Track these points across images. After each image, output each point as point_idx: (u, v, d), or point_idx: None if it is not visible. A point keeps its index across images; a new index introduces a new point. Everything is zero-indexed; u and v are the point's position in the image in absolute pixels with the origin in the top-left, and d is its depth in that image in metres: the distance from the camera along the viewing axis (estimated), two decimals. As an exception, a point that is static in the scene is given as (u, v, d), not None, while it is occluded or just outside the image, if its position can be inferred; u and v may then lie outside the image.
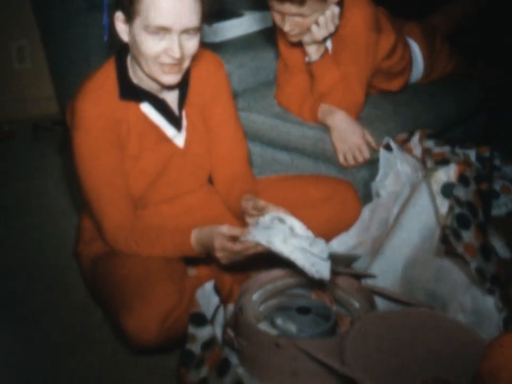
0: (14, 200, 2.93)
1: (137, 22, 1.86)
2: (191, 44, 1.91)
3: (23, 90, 3.74)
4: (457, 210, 1.87)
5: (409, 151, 2.19)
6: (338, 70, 2.37)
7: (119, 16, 1.90)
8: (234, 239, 1.89)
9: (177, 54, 1.88)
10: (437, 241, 2.00)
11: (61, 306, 2.24)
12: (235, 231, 1.90)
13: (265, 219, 1.91)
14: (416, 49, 2.67)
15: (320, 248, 1.87)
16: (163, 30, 1.85)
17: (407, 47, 2.61)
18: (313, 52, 2.37)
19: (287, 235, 1.85)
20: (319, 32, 2.31)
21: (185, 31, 1.87)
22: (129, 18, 1.87)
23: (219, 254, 1.91)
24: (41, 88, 3.72)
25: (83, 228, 2.21)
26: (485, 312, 1.85)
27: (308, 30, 2.31)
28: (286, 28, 2.29)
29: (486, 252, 1.86)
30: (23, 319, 2.18)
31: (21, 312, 2.21)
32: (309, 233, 1.88)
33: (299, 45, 2.43)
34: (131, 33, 1.90)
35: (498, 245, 2.05)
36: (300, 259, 1.83)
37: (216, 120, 2.16)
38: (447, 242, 1.84)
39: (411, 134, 2.24)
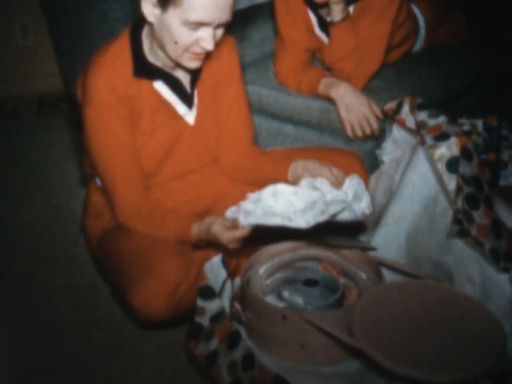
0: (20, 176, 2.94)
1: (174, 12, 1.83)
2: (220, 33, 1.91)
3: (27, 67, 3.74)
4: (466, 190, 1.86)
5: (402, 122, 2.14)
6: (356, 37, 2.37)
7: None
8: (234, 225, 1.90)
9: (210, 47, 1.88)
10: (439, 212, 1.99)
11: (67, 281, 2.25)
12: (228, 222, 1.90)
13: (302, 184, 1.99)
14: (419, 17, 2.65)
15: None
16: (201, 25, 1.84)
17: (412, 16, 2.59)
18: (338, 12, 2.36)
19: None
20: None
21: (220, 24, 1.87)
22: (164, 5, 1.83)
23: (230, 246, 1.91)
24: (45, 65, 3.72)
25: (90, 203, 2.21)
26: (494, 285, 1.85)
27: None
28: None
29: (497, 229, 1.86)
30: (30, 294, 2.19)
31: (27, 287, 2.22)
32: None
33: (301, 25, 2.45)
34: (162, 18, 1.86)
35: (506, 215, 2.04)
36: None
37: (227, 100, 2.15)
38: (459, 224, 1.83)
39: (400, 104, 2.18)
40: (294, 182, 2.04)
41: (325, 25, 2.45)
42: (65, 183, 2.85)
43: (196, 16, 1.82)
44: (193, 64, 1.94)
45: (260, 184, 2.07)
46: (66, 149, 3.13)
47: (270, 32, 2.74)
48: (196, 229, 1.95)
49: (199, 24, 1.84)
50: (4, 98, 3.61)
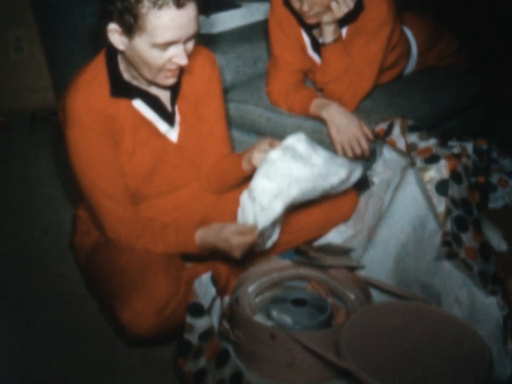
0: (11, 190, 2.93)
1: (141, 38, 1.84)
2: (191, 44, 1.92)
3: (20, 81, 3.74)
4: (455, 212, 1.87)
5: (393, 144, 2.16)
6: (348, 59, 2.38)
7: (114, 28, 1.86)
8: (247, 231, 1.92)
9: (183, 62, 1.89)
10: (428, 234, 2.00)
11: (56, 297, 2.24)
12: (245, 228, 1.92)
13: (277, 151, 1.97)
14: (412, 40, 2.67)
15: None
16: (170, 44, 1.85)
17: (405, 38, 2.61)
18: (330, 33, 2.37)
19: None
20: (339, 9, 2.32)
21: (189, 38, 1.88)
22: (130, 33, 1.84)
23: (237, 252, 1.93)
24: (38, 78, 3.72)
25: (79, 219, 2.21)
26: (481, 307, 1.85)
27: (326, 8, 2.31)
28: (305, 7, 2.29)
29: (486, 252, 1.87)
30: (18, 309, 2.18)
31: (16, 303, 2.21)
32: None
33: (294, 45, 2.47)
34: (131, 45, 1.87)
35: (494, 238, 2.05)
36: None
37: (208, 117, 2.16)
38: (448, 246, 1.84)
39: (391, 125, 2.21)
40: (247, 166, 2.08)
41: (317, 46, 2.46)
42: (55, 198, 2.85)
43: (162, 37, 1.83)
44: (169, 81, 1.96)
45: (229, 184, 2.15)
46: (57, 163, 3.13)
47: (263, 52, 2.75)
48: (201, 234, 1.96)
49: (168, 44, 1.85)
50: (-4, 110, 3.61)
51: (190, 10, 1.83)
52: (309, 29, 2.46)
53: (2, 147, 3.35)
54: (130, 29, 1.83)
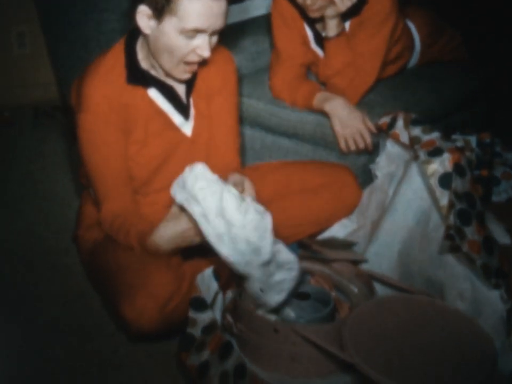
0: (14, 185, 2.93)
1: (170, 22, 1.85)
2: (215, 40, 1.94)
3: (23, 76, 3.73)
4: (458, 206, 1.87)
5: (396, 137, 2.16)
6: (352, 52, 2.38)
7: (143, 10, 1.87)
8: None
9: (207, 54, 1.90)
10: (432, 228, 1.99)
11: (59, 292, 2.24)
12: (172, 213, 1.91)
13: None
14: (415, 34, 2.66)
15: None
16: (197, 32, 1.86)
17: (408, 32, 2.60)
18: (333, 27, 2.37)
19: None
20: (342, 3, 2.32)
21: (215, 31, 1.90)
22: (160, 16, 1.85)
23: (197, 238, 1.87)
24: (41, 74, 3.71)
25: (84, 213, 2.21)
26: (485, 301, 1.85)
27: (330, 2, 2.31)
28: (308, 1, 2.30)
29: (489, 246, 1.86)
30: (20, 304, 2.19)
31: (18, 298, 2.22)
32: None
33: (297, 39, 2.46)
34: (158, 29, 1.88)
35: (498, 231, 2.05)
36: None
37: (221, 114, 2.16)
38: (451, 240, 1.84)
39: (394, 119, 2.20)
40: None
41: (320, 40, 2.46)
42: (59, 193, 2.85)
43: (191, 23, 1.84)
44: (185, 76, 1.98)
45: None
46: (61, 158, 3.13)
47: (266, 46, 2.74)
48: (152, 238, 1.93)
49: (195, 32, 1.86)
50: (-1, 106, 3.62)
51: (222, 3, 1.87)
52: (311, 22, 2.45)
53: (5, 142, 3.35)
54: (161, 12, 1.84)
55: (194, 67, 1.96)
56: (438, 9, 2.84)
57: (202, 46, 1.89)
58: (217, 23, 1.88)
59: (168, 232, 1.91)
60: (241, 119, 2.57)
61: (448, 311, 1.83)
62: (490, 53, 3.13)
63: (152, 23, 1.88)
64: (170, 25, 1.85)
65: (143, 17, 1.88)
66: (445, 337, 1.74)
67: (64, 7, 2.83)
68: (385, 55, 2.43)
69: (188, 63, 1.93)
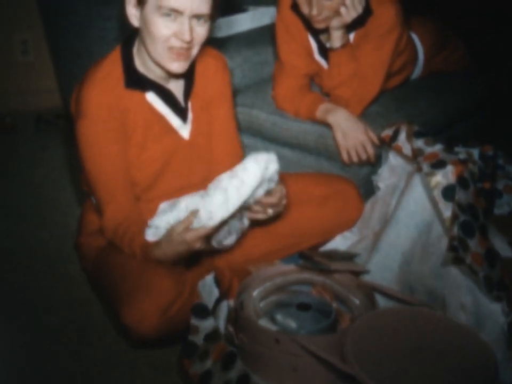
0: (16, 192, 2.93)
1: (150, 4, 1.88)
2: (201, 31, 1.93)
3: (26, 83, 3.75)
4: (461, 217, 1.87)
5: (399, 149, 2.16)
6: (356, 63, 2.38)
7: (130, 0, 1.92)
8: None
9: (187, 37, 1.89)
10: (434, 239, 1.99)
11: (61, 299, 2.24)
12: (187, 220, 1.89)
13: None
14: (418, 46, 2.67)
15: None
16: (175, 12, 1.87)
17: (412, 44, 2.61)
18: (338, 38, 2.38)
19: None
20: (348, 14, 2.32)
21: (196, 16, 1.89)
22: (141, 1, 1.89)
23: (196, 244, 1.88)
24: (44, 81, 3.73)
25: (85, 220, 2.21)
26: (486, 314, 1.85)
27: (335, 13, 2.32)
28: (314, 12, 2.30)
29: (491, 258, 1.87)
30: (22, 310, 2.18)
31: (20, 304, 2.21)
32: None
33: (301, 50, 2.47)
34: (142, 16, 1.91)
35: (500, 244, 2.05)
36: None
37: (219, 117, 2.17)
38: (454, 251, 1.84)
39: (396, 131, 2.21)
40: None
41: (324, 51, 2.46)
42: (60, 200, 2.85)
43: (168, 1, 1.85)
44: (176, 66, 1.95)
45: None
46: (62, 166, 3.13)
47: (270, 56, 2.75)
48: (156, 248, 1.93)
49: (173, 11, 1.87)
50: (2, 112, 3.61)
51: None
52: (316, 33, 2.46)
53: (8, 149, 3.36)
54: None
55: (182, 56, 1.94)
56: (442, 20, 2.85)
57: (182, 29, 1.89)
58: (194, 6, 1.87)
59: (171, 250, 1.92)
60: (244, 129, 2.58)
61: (450, 323, 1.83)
62: (494, 63, 3.13)
63: (138, 12, 1.92)
64: (149, 7, 1.89)
65: (130, 7, 1.93)
66: (446, 349, 1.74)
67: (68, 15, 2.85)
68: (389, 67, 2.44)
69: (172, 49, 1.92)
